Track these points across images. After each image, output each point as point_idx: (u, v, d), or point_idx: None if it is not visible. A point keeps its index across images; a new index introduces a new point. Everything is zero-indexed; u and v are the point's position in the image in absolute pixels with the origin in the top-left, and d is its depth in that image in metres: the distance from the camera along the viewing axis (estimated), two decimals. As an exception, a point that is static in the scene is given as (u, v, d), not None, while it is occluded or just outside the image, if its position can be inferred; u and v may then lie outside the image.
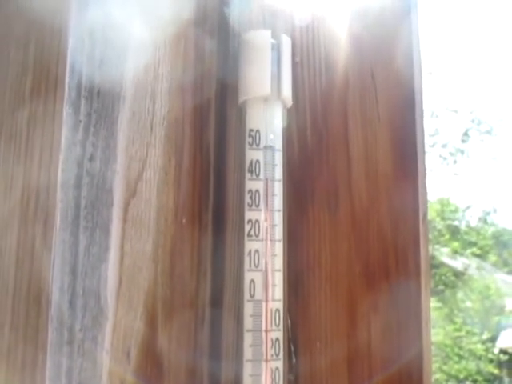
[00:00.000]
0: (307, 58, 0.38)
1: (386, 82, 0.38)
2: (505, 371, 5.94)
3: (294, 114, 0.37)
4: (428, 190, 0.40)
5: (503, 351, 5.90)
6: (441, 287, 6.21)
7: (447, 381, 5.50)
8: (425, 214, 0.38)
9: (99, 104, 0.23)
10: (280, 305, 0.33)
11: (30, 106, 0.23)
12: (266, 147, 0.34)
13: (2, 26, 0.24)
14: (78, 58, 0.23)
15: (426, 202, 0.39)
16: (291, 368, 0.35)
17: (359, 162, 0.37)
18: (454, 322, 5.93)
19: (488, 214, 7.32)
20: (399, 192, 0.37)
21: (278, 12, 0.39)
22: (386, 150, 0.38)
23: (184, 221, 0.29)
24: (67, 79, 0.22)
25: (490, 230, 7.30)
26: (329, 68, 0.38)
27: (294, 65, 0.37)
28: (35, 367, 0.20)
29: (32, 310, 0.21)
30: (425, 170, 0.39)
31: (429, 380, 0.36)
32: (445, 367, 5.43)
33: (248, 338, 0.32)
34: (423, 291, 0.37)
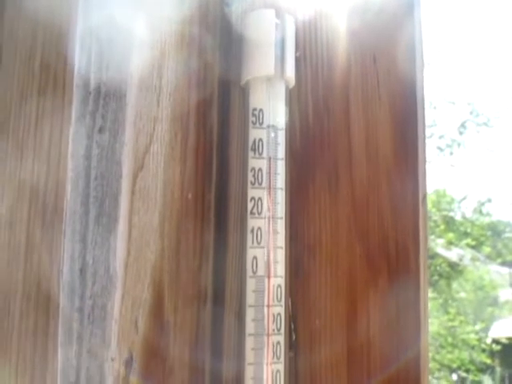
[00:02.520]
0: (309, 42, 0.38)
1: (387, 66, 0.39)
2: (497, 361, 6.01)
3: (296, 94, 0.37)
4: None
5: (496, 341, 5.97)
6: (435, 278, 6.25)
7: (440, 370, 5.55)
8: (424, 196, 0.39)
9: (108, 77, 0.24)
10: (282, 281, 0.33)
11: (40, 83, 0.23)
12: (269, 126, 0.34)
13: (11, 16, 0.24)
14: (88, 30, 0.23)
15: (425, 184, 0.39)
16: (291, 345, 0.35)
17: (360, 143, 0.38)
18: (448, 312, 5.98)
19: (483, 204, 7.35)
20: (399, 174, 0.38)
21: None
22: (386, 133, 0.38)
23: (190, 196, 0.29)
24: (77, 50, 0.22)
25: (485, 221, 7.34)
26: (331, 51, 0.38)
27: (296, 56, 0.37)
28: (47, 333, 0.21)
29: (43, 278, 0.21)
30: (425, 153, 0.40)
31: (426, 359, 0.37)
32: (438, 356, 5.48)
33: (250, 313, 0.32)
34: (422, 272, 0.37)
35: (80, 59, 0.22)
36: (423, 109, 0.40)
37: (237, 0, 0.37)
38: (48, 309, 0.21)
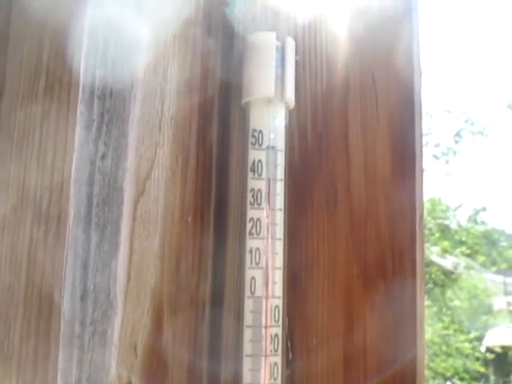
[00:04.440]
0: (309, 59, 0.39)
1: (386, 85, 0.39)
2: (491, 369, 6.02)
3: (295, 115, 0.37)
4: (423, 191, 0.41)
5: (490, 350, 5.97)
6: (430, 285, 6.26)
7: (434, 378, 5.55)
8: (421, 216, 0.39)
9: (111, 104, 0.24)
10: (279, 302, 0.33)
11: (43, 105, 0.23)
12: (268, 147, 0.35)
13: (17, 25, 0.25)
14: (92, 58, 0.23)
15: (422, 203, 0.39)
16: (288, 364, 0.35)
17: (358, 163, 0.38)
18: (442, 321, 5.99)
19: (478, 212, 7.38)
20: (397, 194, 0.38)
21: (281, 12, 0.39)
22: (384, 152, 0.38)
23: (189, 219, 0.29)
24: (82, 79, 0.22)
25: (480, 230, 7.37)
26: (330, 69, 0.39)
27: (295, 64, 0.37)
28: (47, 359, 0.21)
29: (44, 303, 0.22)
30: (422, 172, 0.40)
31: (422, 378, 0.37)
32: (432, 364, 5.48)
33: (248, 334, 0.32)
34: (418, 292, 0.38)
35: (84, 86, 0.23)
36: (420, 127, 0.40)
37: (238, 2, 0.37)
38: (48, 334, 0.22)
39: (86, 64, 0.23)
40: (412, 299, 0.37)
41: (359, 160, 0.38)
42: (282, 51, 0.35)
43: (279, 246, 0.34)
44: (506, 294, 6.99)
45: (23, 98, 0.25)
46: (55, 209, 0.22)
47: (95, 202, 0.23)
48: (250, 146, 0.34)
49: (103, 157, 0.23)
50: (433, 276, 6.34)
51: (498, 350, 5.95)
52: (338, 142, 0.38)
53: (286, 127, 0.36)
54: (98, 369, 0.22)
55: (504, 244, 7.79)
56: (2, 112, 0.27)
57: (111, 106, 0.24)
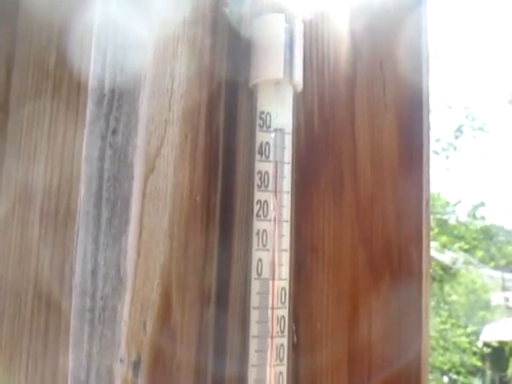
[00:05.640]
0: (316, 46, 0.38)
1: (394, 72, 0.39)
2: (488, 364, 6.05)
3: (302, 99, 0.37)
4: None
5: (487, 344, 6.00)
6: (428, 280, 6.27)
7: (431, 372, 5.58)
8: (428, 202, 0.39)
9: (122, 80, 0.24)
10: (286, 284, 0.33)
11: (54, 82, 0.23)
12: (276, 130, 0.34)
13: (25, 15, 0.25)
14: (104, 34, 0.23)
15: (429, 190, 0.39)
16: (293, 347, 0.36)
17: (365, 149, 0.38)
18: (439, 315, 6.01)
19: (477, 208, 7.40)
20: (403, 180, 0.38)
21: (286, 2, 0.39)
22: (391, 138, 0.38)
23: (198, 198, 0.29)
24: (93, 53, 0.22)
25: (479, 225, 7.38)
26: (337, 55, 0.39)
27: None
28: (59, 333, 0.21)
29: (55, 278, 0.22)
30: (429, 158, 0.40)
31: (426, 363, 0.37)
32: (429, 359, 5.50)
33: (254, 315, 0.32)
34: (424, 278, 0.38)
35: (95, 62, 0.23)
36: (428, 114, 0.40)
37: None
38: (59, 308, 0.22)
39: (98, 38, 0.23)
40: (418, 287, 0.37)
41: (366, 146, 0.38)
42: (290, 33, 0.35)
43: (286, 229, 0.34)
44: (504, 289, 7.01)
45: (33, 77, 0.25)
46: (66, 185, 0.22)
47: (106, 177, 0.23)
48: (258, 128, 0.34)
49: (114, 132, 0.23)
50: (431, 271, 6.35)
51: (495, 344, 5.98)
52: (344, 127, 0.38)
53: (293, 110, 0.36)
54: (108, 344, 0.22)
55: (503, 240, 7.81)
56: (12, 92, 0.27)
57: (122, 82, 0.24)
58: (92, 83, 0.22)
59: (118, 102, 0.23)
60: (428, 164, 0.40)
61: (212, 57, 0.32)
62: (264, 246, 0.33)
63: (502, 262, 7.37)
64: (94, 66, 0.22)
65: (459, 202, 7.49)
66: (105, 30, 0.23)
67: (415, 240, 0.38)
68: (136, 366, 0.24)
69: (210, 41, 0.33)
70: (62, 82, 0.23)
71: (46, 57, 0.25)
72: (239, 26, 0.36)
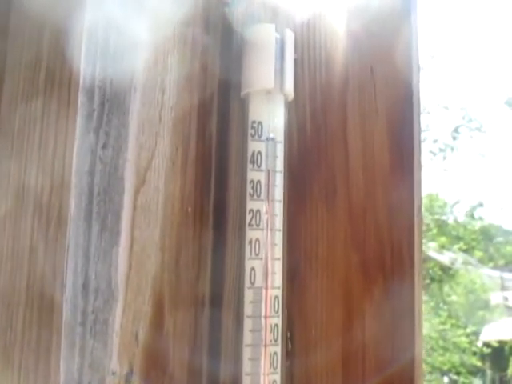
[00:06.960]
0: (307, 52, 0.39)
1: (384, 77, 0.39)
2: (487, 364, 6.05)
3: (294, 106, 0.37)
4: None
5: (486, 344, 6.00)
6: (427, 281, 6.28)
7: (431, 373, 5.58)
8: (419, 207, 0.39)
9: (112, 93, 0.24)
10: (279, 292, 0.34)
11: (44, 95, 0.23)
12: (267, 139, 0.35)
13: (17, 18, 0.25)
14: (92, 50, 0.23)
15: (420, 195, 0.40)
16: (287, 354, 0.36)
17: (357, 155, 0.38)
18: (439, 315, 6.01)
19: (475, 208, 7.40)
20: (395, 185, 0.38)
21: (279, 7, 0.39)
22: (383, 144, 0.39)
23: (189, 209, 0.30)
24: (82, 68, 0.22)
25: (477, 226, 7.39)
26: (329, 62, 0.39)
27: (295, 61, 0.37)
28: (50, 347, 0.21)
29: (47, 291, 0.22)
30: (420, 164, 0.40)
31: (420, 367, 0.37)
32: (429, 359, 5.51)
33: (248, 324, 0.33)
34: (416, 281, 0.38)
35: (84, 76, 0.23)
36: (419, 119, 0.40)
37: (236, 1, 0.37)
38: (51, 322, 0.22)
39: (87, 54, 0.23)
40: (410, 290, 0.38)
41: (358, 152, 0.38)
42: (281, 43, 0.35)
43: (278, 237, 0.34)
44: (503, 289, 7.02)
45: (24, 88, 0.25)
46: (56, 198, 0.23)
47: (96, 191, 0.23)
48: (250, 137, 0.35)
49: (104, 146, 0.23)
50: (430, 271, 6.36)
51: (495, 344, 5.98)
52: (336, 134, 0.38)
53: (285, 119, 0.36)
54: (100, 356, 0.22)
55: (501, 240, 7.81)
56: (2, 103, 0.27)
57: (111, 95, 0.24)
58: (81, 96, 0.22)
59: (108, 116, 0.24)
60: (419, 168, 0.40)
61: (203, 68, 0.33)
62: (257, 254, 0.33)
63: (501, 262, 7.37)
64: (83, 79, 0.23)
65: (457, 202, 7.50)
66: (95, 37, 0.23)
67: (407, 243, 0.38)
68: (128, 377, 0.24)
69: (201, 52, 0.33)
70: (52, 95, 0.24)
71: (36, 68, 0.25)
72: (238, 27, 0.36)
